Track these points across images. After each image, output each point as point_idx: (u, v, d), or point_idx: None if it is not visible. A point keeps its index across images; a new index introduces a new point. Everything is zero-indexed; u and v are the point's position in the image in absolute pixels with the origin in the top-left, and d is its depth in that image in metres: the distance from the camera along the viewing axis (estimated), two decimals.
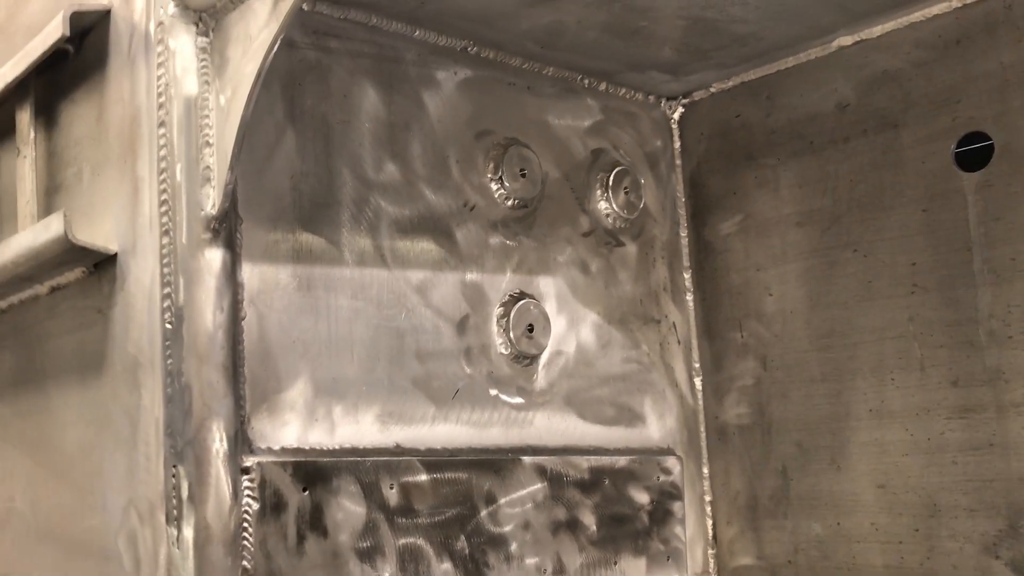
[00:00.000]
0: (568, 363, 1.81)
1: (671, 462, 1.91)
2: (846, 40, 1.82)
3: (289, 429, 1.41)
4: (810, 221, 1.87)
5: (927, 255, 1.70)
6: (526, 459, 1.66)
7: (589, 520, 1.73)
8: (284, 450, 1.40)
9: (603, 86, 1.98)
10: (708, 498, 1.99)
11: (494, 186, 1.74)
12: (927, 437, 1.68)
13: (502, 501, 1.60)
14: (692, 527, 1.95)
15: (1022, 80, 1.60)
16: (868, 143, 1.79)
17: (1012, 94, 1.61)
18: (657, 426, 1.94)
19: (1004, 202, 1.61)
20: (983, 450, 1.61)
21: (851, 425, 1.79)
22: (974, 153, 1.66)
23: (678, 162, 2.10)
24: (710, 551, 1.97)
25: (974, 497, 1.61)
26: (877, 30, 1.77)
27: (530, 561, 1.62)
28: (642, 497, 1.83)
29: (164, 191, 1.33)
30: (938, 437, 1.67)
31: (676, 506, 1.89)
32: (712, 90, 2.05)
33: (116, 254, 1.42)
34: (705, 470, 2.01)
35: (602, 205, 1.92)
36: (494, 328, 1.70)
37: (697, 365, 2.04)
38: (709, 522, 1.99)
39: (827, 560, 1.81)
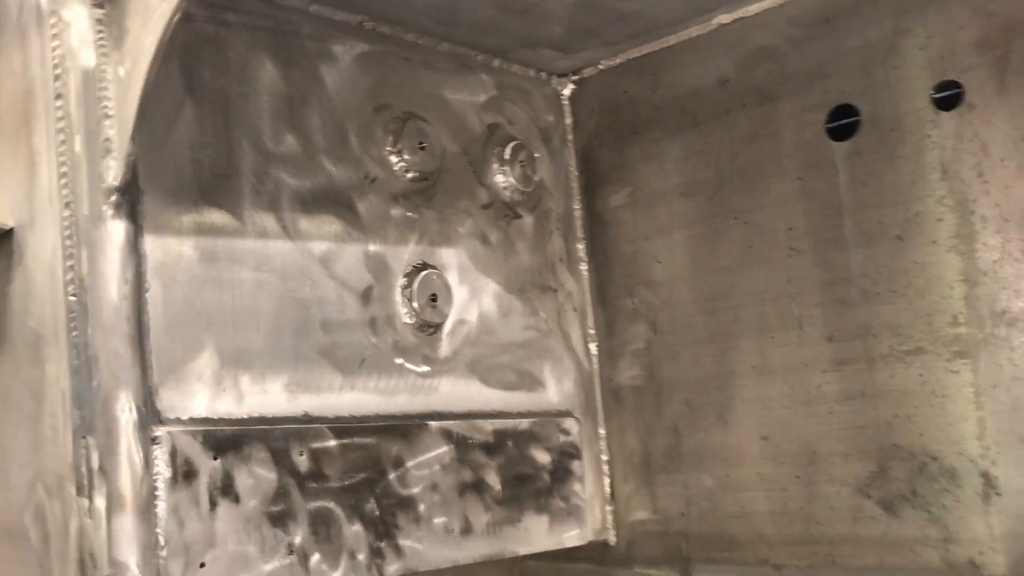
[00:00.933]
0: (471, 331, 1.87)
1: (569, 423, 1.99)
2: (725, 18, 1.92)
3: (198, 399, 1.42)
4: (694, 192, 1.97)
5: (802, 220, 1.82)
6: (432, 424, 1.71)
7: (494, 480, 1.79)
8: (193, 420, 1.41)
9: (497, 63, 2.04)
10: (605, 457, 2.08)
11: (394, 159, 1.77)
12: (806, 390, 1.81)
13: (410, 464, 1.65)
14: (591, 485, 2.03)
15: (884, 56, 1.73)
16: (747, 116, 1.90)
17: (875, 69, 1.74)
18: (556, 390, 2.02)
19: (870, 169, 1.74)
20: (856, 400, 1.74)
21: (736, 382, 1.90)
22: (844, 125, 1.78)
23: (570, 137, 2.17)
24: (608, 508, 2.07)
25: (848, 444, 1.75)
26: (754, 8, 1.88)
27: (438, 521, 1.67)
28: (543, 457, 1.91)
29: (64, 164, 1.32)
30: (815, 390, 1.79)
31: (576, 465, 1.98)
32: (600, 67, 2.13)
33: (12, 229, 1.40)
34: (601, 431, 2.10)
35: (499, 179, 1.98)
36: (398, 298, 1.74)
37: (592, 331, 2.12)
38: (607, 480, 2.08)
39: (717, 510, 1.92)
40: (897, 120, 1.71)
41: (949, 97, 1.65)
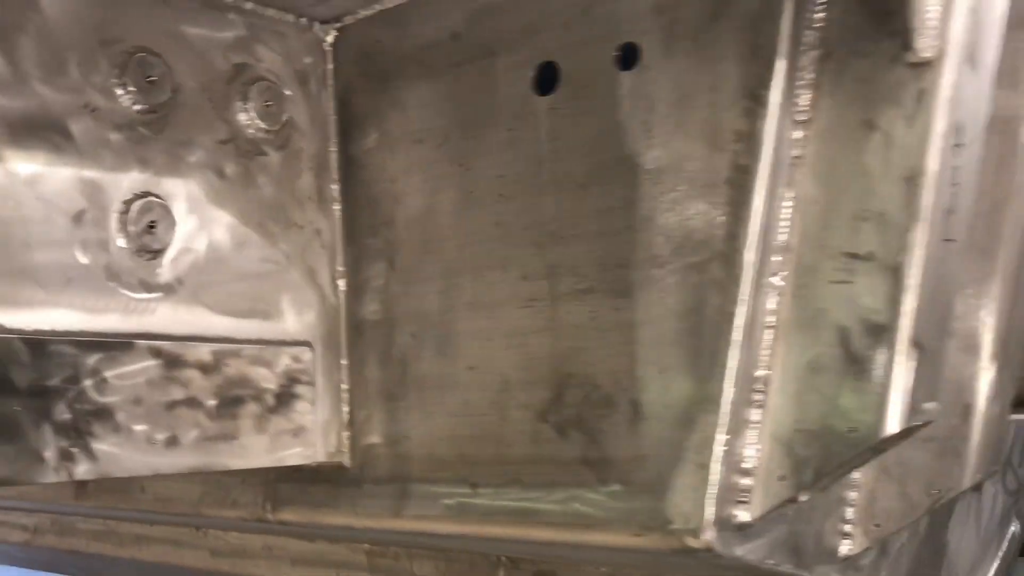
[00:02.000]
0: (198, 260, 1.97)
1: (300, 351, 2.11)
2: None
3: None
4: (427, 139, 2.10)
5: (511, 168, 1.96)
6: (140, 342, 1.82)
7: (209, 399, 1.91)
8: None
9: (249, 5, 2.12)
10: (345, 386, 2.22)
11: (119, 91, 1.86)
12: (505, 325, 1.96)
13: (108, 375, 1.76)
14: (328, 412, 2.17)
15: (580, 16, 1.86)
16: (472, 69, 2.03)
17: (574, 28, 1.87)
18: (295, 321, 2.14)
19: (565, 123, 1.88)
20: (542, 333, 1.90)
21: (453, 317, 2.05)
22: (547, 80, 1.92)
23: (330, 82, 2.28)
24: (344, 433, 2.20)
25: (534, 373, 1.90)
26: None
27: (139, 429, 1.79)
28: (268, 383, 2.03)
29: None
30: (513, 324, 1.94)
31: (305, 391, 2.11)
32: (359, 15, 2.23)
33: None
34: (344, 361, 2.23)
35: (242, 116, 2.08)
36: (113, 224, 1.83)
37: (341, 268, 2.25)
38: (345, 408, 2.21)
39: (432, 434, 2.07)
40: (588, 77, 1.85)
41: (626, 57, 1.80)
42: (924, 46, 1.56)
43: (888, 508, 2.06)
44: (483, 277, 2.00)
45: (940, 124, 1.56)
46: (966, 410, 2.23)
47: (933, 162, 1.57)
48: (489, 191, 1.99)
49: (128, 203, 1.86)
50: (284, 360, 2.08)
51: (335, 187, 2.26)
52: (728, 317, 1.67)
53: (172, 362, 1.86)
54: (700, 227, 1.71)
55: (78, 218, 1.79)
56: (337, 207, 2.26)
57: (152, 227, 1.88)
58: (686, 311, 1.72)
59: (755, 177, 1.65)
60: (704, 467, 1.67)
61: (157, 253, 1.90)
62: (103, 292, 1.81)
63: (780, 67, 1.64)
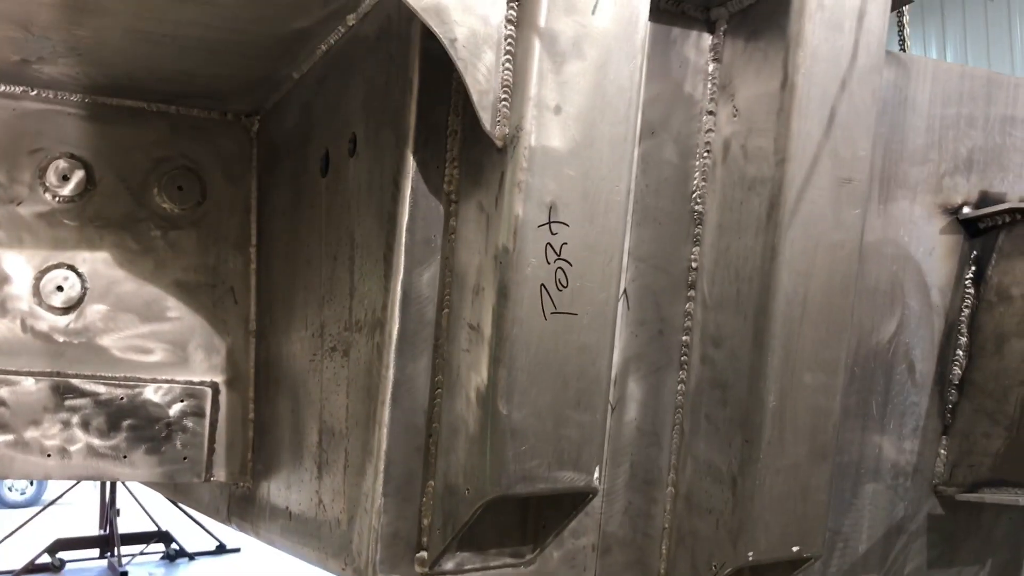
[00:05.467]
0: (106, 313, 2.53)
1: (200, 389, 2.58)
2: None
3: None
4: (282, 212, 2.48)
5: (311, 237, 2.28)
6: (38, 377, 2.41)
7: (100, 423, 2.45)
8: None
9: (172, 108, 2.64)
10: (251, 417, 2.65)
11: (40, 189, 2.47)
12: (307, 375, 2.28)
13: (7, 398, 2.36)
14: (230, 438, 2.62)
15: (335, 110, 2.14)
16: (297, 154, 2.38)
17: (336, 119, 2.16)
18: (202, 362, 2.62)
19: (334, 200, 2.17)
20: (312, 381, 2.20)
21: (292, 364, 2.41)
22: (325, 165, 2.21)
23: (253, 164, 2.74)
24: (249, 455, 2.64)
25: (315, 417, 2.21)
26: None
27: (30, 436, 2.37)
28: (161, 412, 2.53)
29: None
30: (304, 373, 2.26)
31: (197, 422, 2.58)
32: (268, 107, 2.67)
33: None
34: (251, 395, 2.66)
35: (158, 199, 2.60)
36: (29, 286, 2.45)
37: (253, 319, 2.69)
38: (250, 434, 2.65)
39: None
40: (340, 161, 2.13)
41: (353, 145, 2.05)
42: (497, 132, 1.66)
43: None
44: (296, 333, 2.34)
45: (519, 205, 1.65)
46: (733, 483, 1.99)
47: (517, 240, 1.65)
48: (304, 256, 2.32)
49: (43, 272, 2.46)
50: (182, 395, 2.56)
51: (253, 250, 2.71)
52: (383, 379, 1.85)
53: (70, 392, 2.42)
54: (374, 297, 1.91)
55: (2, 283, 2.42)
56: (254, 266, 2.70)
57: (60, 289, 2.47)
58: (366, 372, 1.93)
59: (398, 253, 1.82)
60: (369, 513, 1.87)
61: (67, 310, 2.48)
62: (16, 340, 2.42)
63: (412, 156, 1.79)
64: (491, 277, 1.69)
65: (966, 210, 2.37)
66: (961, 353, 2.41)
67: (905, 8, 5.12)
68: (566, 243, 1.68)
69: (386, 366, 1.84)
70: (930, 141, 2.31)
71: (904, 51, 2.87)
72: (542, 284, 1.67)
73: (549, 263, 1.67)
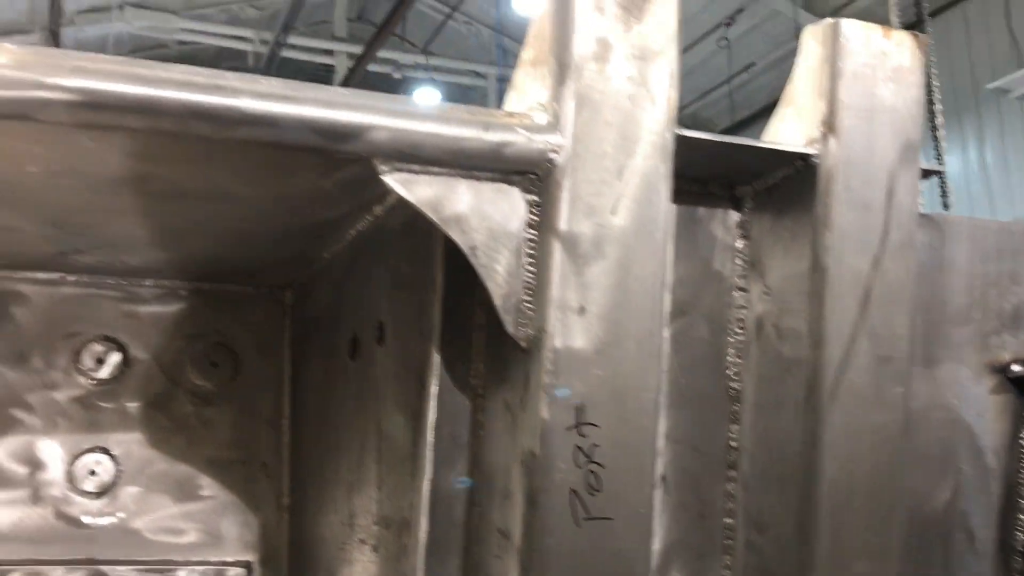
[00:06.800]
0: (139, 495, 2.50)
1: (236, 571, 2.53)
2: None
3: None
4: (316, 390, 2.47)
5: (339, 421, 2.26)
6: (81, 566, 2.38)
7: None
8: None
9: (207, 285, 2.68)
10: None
11: (75, 373, 2.49)
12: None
13: None
14: None
15: (367, 299, 2.14)
16: (328, 336, 2.38)
17: (366, 308, 2.15)
18: (235, 542, 2.57)
19: (363, 386, 2.14)
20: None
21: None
22: (353, 349, 2.20)
23: (287, 336, 2.74)
24: None
25: None
26: None
27: None
28: None
29: None
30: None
31: None
32: (299, 285, 2.69)
33: None
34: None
35: (192, 376, 2.61)
36: (61, 473, 2.44)
37: (287, 495, 2.65)
38: None
39: None
40: (368, 348, 2.11)
41: (381, 333, 2.04)
42: (521, 334, 1.63)
43: None
44: (326, 517, 2.29)
45: (545, 408, 1.61)
46: None
47: (544, 445, 1.60)
48: (334, 438, 2.29)
49: (76, 456, 2.45)
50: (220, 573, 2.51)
51: (286, 422, 2.69)
52: None
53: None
54: (401, 493, 1.87)
55: (33, 470, 2.41)
56: (287, 439, 2.68)
57: (94, 473, 2.45)
58: (396, 573, 1.87)
59: (424, 452, 1.78)
60: None
61: (100, 494, 2.46)
62: (49, 528, 2.40)
63: (438, 352, 1.77)
64: (519, 482, 1.64)
65: (1015, 368, 2.29)
66: (1023, 517, 2.28)
67: (937, 122, 5.09)
68: (597, 445, 1.63)
69: (416, 569, 1.78)
70: (972, 300, 2.24)
71: (947, 208, 2.83)
72: (573, 489, 1.61)
73: (579, 467, 1.62)
